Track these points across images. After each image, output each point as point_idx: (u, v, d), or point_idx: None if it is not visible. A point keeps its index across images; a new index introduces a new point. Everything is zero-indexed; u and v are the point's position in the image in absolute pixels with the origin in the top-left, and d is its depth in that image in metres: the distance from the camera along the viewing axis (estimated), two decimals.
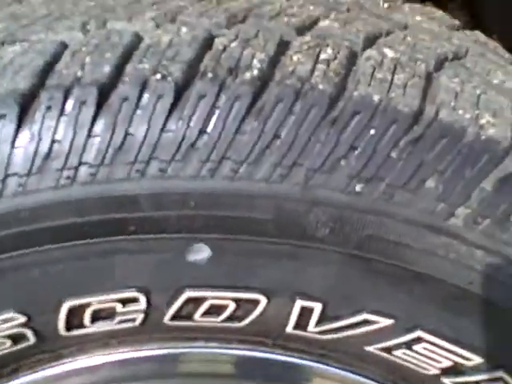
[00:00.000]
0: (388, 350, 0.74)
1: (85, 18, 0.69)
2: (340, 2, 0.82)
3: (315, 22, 0.73)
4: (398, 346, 0.73)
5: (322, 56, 0.65)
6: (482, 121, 0.65)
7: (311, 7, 0.77)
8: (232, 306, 0.70)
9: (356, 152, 0.62)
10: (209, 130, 0.61)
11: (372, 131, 0.62)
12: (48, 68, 0.62)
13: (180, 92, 0.61)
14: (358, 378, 0.80)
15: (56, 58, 0.63)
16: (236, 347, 0.78)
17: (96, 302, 0.69)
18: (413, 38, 0.74)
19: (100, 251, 0.65)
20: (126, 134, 0.60)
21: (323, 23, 0.73)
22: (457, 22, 0.90)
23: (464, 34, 0.86)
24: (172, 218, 0.63)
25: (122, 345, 0.77)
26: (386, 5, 0.85)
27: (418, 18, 0.85)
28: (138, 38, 0.65)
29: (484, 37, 0.88)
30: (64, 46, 0.64)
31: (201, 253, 0.65)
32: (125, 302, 0.69)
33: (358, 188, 0.63)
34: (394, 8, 0.86)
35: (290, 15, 0.73)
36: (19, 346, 0.72)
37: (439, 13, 0.91)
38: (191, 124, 0.61)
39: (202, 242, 0.65)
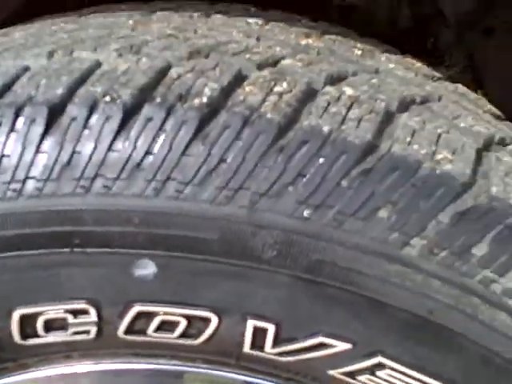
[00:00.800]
0: (351, 374, 0.77)
1: (54, 47, 0.77)
2: (312, 46, 0.88)
3: (278, 60, 0.79)
4: (360, 372, 0.76)
5: (276, 89, 0.71)
6: (439, 156, 0.70)
7: (278, 48, 0.83)
8: (183, 322, 0.75)
9: (304, 179, 0.67)
10: (155, 151, 0.67)
11: (321, 160, 0.67)
12: (5, 88, 0.69)
13: (128, 115, 0.67)
14: None
15: (15, 79, 0.70)
16: (201, 366, 0.82)
17: (46, 311, 0.74)
18: (379, 81, 0.79)
19: (46, 262, 0.71)
20: (74, 151, 0.67)
21: (286, 62, 0.79)
22: (437, 74, 0.94)
23: (442, 84, 0.91)
24: (116, 234, 0.69)
25: (84, 358, 0.82)
26: (359, 52, 0.90)
27: (392, 65, 0.90)
28: (97, 65, 0.72)
29: (465, 89, 0.93)
30: (26, 69, 0.72)
31: (146, 268, 0.70)
32: (75, 313, 0.74)
33: (305, 214, 0.67)
34: (368, 55, 0.91)
35: (254, 53, 0.79)
36: None
37: (419, 64, 0.96)
38: (137, 145, 0.67)
39: (147, 258, 0.70)
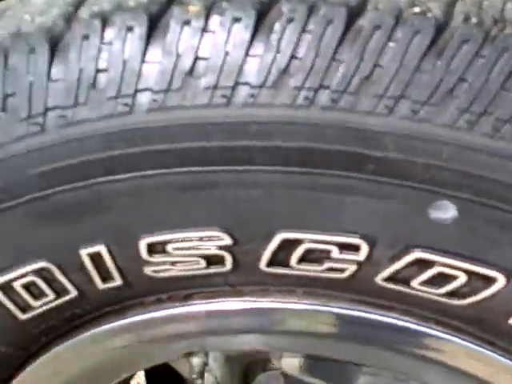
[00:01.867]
0: None
1: None
2: None
3: None
4: None
5: None
6: None
7: None
8: (462, 278, 0.67)
9: None
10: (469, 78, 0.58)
11: None
12: None
13: (439, 31, 0.59)
14: None
15: None
16: (432, 327, 0.76)
17: (312, 240, 0.68)
18: None
19: (332, 185, 0.64)
20: (375, 64, 0.59)
21: None
22: None
23: None
24: (419, 166, 0.61)
25: (306, 296, 0.77)
26: None
27: None
28: None
29: None
30: None
31: (445, 212, 0.63)
32: (343, 247, 0.68)
33: None
34: None
35: None
36: (212, 270, 0.74)
37: None
38: (451, 67, 0.58)
39: (449, 200, 0.62)
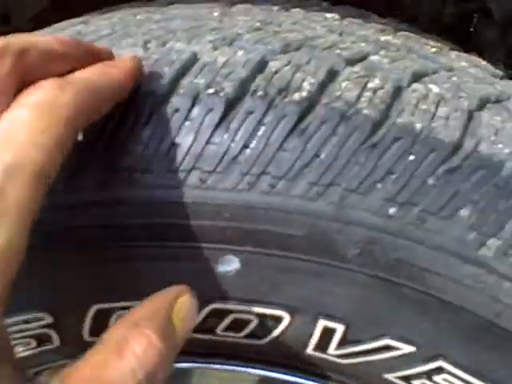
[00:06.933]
0: (407, 379, 0.79)
1: (147, 38, 0.79)
2: (391, 43, 0.90)
3: (365, 56, 0.81)
4: (418, 376, 0.79)
5: (370, 85, 0.73)
6: None
7: (362, 44, 0.85)
8: (255, 321, 0.77)
9: (393, 176, 0.69)
10: (252, 145, 0.69)
11: (411, 157, 0.69)
12: None
13: (229, 107, 0.69)
14: None
15: None
16: (256, 367, 0.86)
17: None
18: (458, 79, 0.82)
19: None
20: (173, 143, 0.69)
21: (373, 58, 0.81)
22: (500, 72, 0.97)
23: (507, 82, 0.93)
24: (206, 228, 0.70)
25: None
26: (433, 49, 0.94)
27: (464, 63, 0.93)
28: (195, 57, 0.74)
29: None
30: None
31: (230, 265, 0.73)
32: None
33: (391, 211, 0.69)
34: (441, 53, 0.94)
35: (341, 48, 0.81)
36: None
37: (484, 62, 0.99)
38: (236, 138, 0.69)
39: (232, 254, 0.72)
